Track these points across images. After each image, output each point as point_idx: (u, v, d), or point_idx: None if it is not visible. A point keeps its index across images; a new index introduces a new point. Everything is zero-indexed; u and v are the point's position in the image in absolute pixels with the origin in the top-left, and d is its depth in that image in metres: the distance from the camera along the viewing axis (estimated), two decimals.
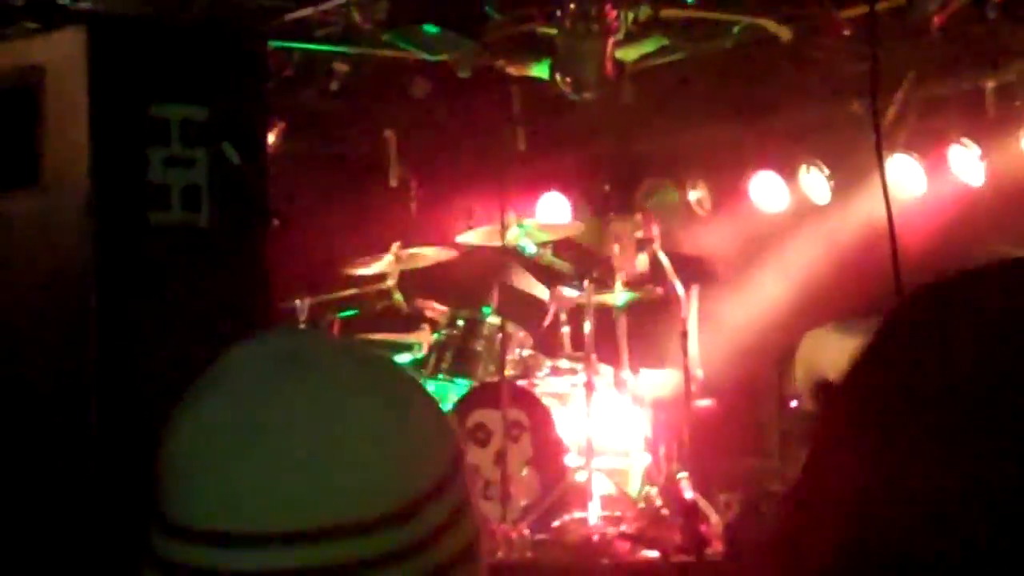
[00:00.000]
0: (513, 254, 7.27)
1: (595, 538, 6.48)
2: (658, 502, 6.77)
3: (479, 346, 7.38)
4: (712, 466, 7.05)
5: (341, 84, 8.04)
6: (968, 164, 7.80)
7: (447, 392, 7.27)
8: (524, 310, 7.37)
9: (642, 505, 6.81)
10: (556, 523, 6.66)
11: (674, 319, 6.98)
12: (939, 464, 0.84)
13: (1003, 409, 0.84)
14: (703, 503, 6.62)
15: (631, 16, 7.20)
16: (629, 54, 7.57)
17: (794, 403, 7.06)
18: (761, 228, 8.61)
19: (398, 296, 7.78)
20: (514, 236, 7.18)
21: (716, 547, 6.30)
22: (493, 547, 6.31)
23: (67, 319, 4.69)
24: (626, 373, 7.19)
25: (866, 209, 7.38)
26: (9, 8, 5.05)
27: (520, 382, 7.12)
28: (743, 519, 6.56)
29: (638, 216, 7.40)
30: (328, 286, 7.92)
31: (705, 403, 7.33)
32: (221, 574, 1.13)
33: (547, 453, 6.92)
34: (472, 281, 7.89)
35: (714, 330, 7.82)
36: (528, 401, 7.00)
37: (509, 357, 7.05)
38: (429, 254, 7.94)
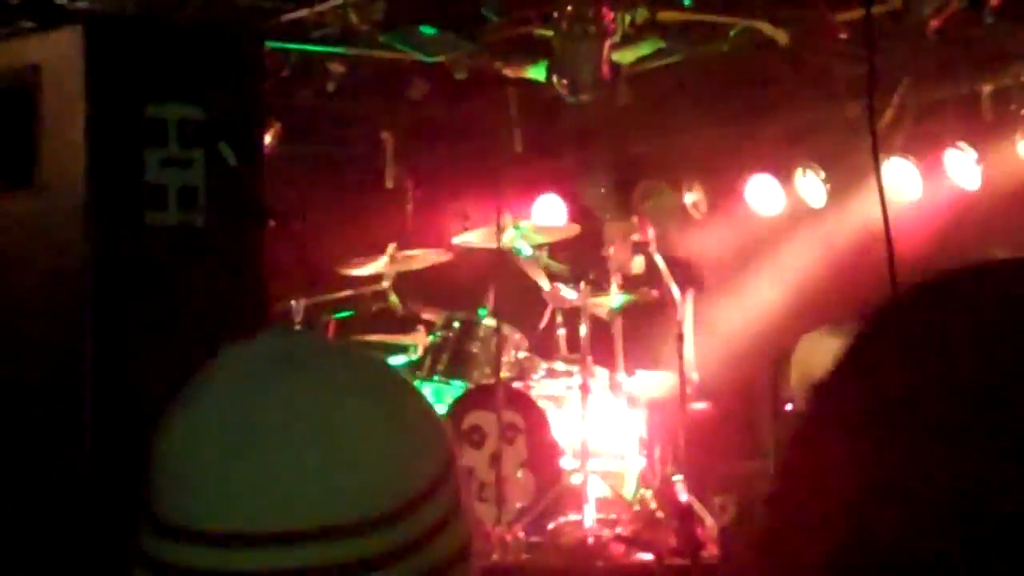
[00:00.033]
0: (509, 256, 7.26)
1: (590, 541, 6.48)
2: (653, 505, 6.77)
3: (475, 348, 7.38)
4: (707, 469, 7.05)
5: (338, 85, 8.03)
6: (964, 168, 7.80)
7: (443, 394, 7.27)
8: (524, 303, 7.37)
9: (637, 508, 6.81)
10: (551, 526, 6.66)
11: (670, 322, 6.98)
12: (940, 464, 0.84)
13: (1004, 408, 0.84)
14: (698, 506, 6.62)
15: (628, 18, 7.20)
16: (626, 56, 7.57)
17: (789, 406, 7.07)
18: (757, 231, 8.62)
19: (394, 298, 7.78)
20: (510, 238, 7.18)
21: (711, 550, 6.30)
22: (488, 549, 6.31)
23: (64, 319, 4.69)
24: (621, 376, 7.19)
25: (862, 213, 7.38)
26: (5, 7, 5.04)
27: (515, 384, 7.12)
28: (738, 522, 6.56)
29: (634, 218, 7.40)
30: (324, 287, 7.92)
31: (700, 406, 7.34)
32: (214, 574, 1.13)
33: (542, 455, 6.92)
34: (468, 283, 7.89)
35: (710, 333, 7.82)
36: (523, 403, 7.00)
37: (505, 359, 7.05)
38: (425, 256, 7.94)
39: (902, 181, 7.84)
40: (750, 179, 8.52)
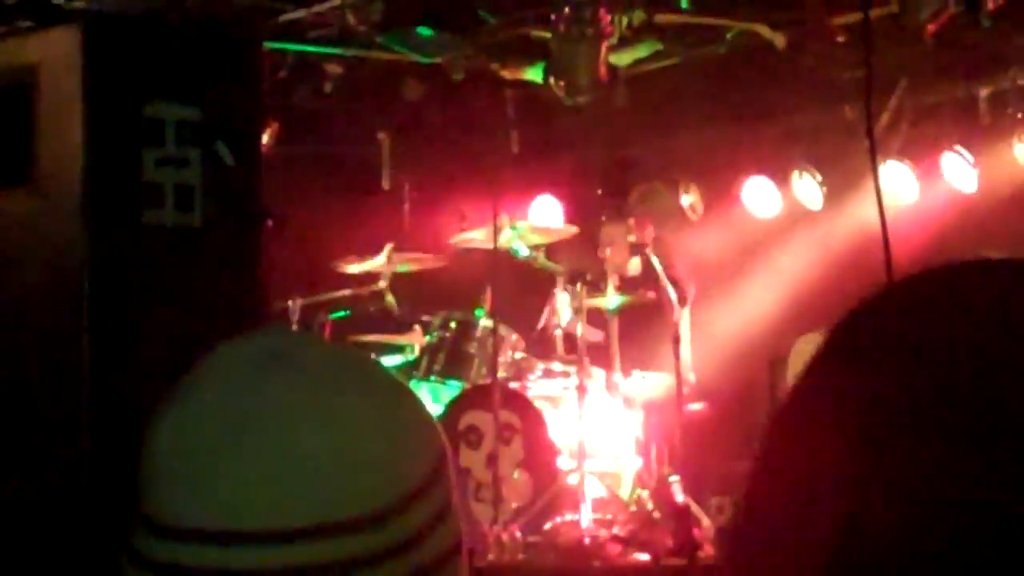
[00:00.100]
0: (506, 257, 7.27)
1: (586, 541, 6.48)
2: (650, 505, 6.77)
3: (471, 348, 7.39)
4: (704, 470, 7.05)
5: (335, 86, 8.04)
6: (961, 171, 7.81)
7: (439, 394, 7.27)
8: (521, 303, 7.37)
9: (634, 508, 6.81)
10: (547, 526, 6.66)
11: (666, 323, 6.98)
12: (940, 464, 0.84)
13: (1004, 407, 0.84)
14: (695, 506, 6.62)
15: (625, 21, 7.20)
16: (623, 59, 7.57)
17: None
18: (753, 233, 8.62)
19: (390, 298, 7.78)
20: (507, 239, 7.18)
21: (707, 550, 6.30)
22: (485, 549, 6.31)
23: (61, 318, 4.69)
24: (618, 376, 7.19)
25: (859, 215, 7.39)
26: (2, 6, 5.04)
27: (512, 384, 7.12)
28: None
29: (631, 220, 7.40)
30: (321, 287, 7.92)
31: (697, 407, 7.34)
32: (205, 572, 1.13)
33: (539, 456, 6.92)
34: (465, 283, 7.89)
35: (706, 334, 7.82)
36: (520, 404, 7.00)
37: (501, 359, 7.05)
38: (422, 256, 7.94)
39: (899, 184, 7.84)
40: (747, 181, 8.53)
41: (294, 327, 7.48)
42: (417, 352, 7.53)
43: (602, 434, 7.00)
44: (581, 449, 6.71)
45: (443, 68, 7.77)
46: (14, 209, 4.85)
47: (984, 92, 7.73)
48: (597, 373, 7.17)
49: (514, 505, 6.75)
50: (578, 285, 7.07)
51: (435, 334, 7.46)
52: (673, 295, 6.94)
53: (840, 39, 7.23)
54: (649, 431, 7.15)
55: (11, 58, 4.89)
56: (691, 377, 7.34)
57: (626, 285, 7.23)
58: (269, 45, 7.00)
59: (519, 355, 7.37)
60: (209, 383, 1.17)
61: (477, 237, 7.35)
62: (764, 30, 7.40)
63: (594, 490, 6.73)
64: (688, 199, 8.79)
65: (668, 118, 8.49)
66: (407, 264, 7.86)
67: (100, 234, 4.69)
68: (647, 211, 8.31)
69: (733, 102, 8.29)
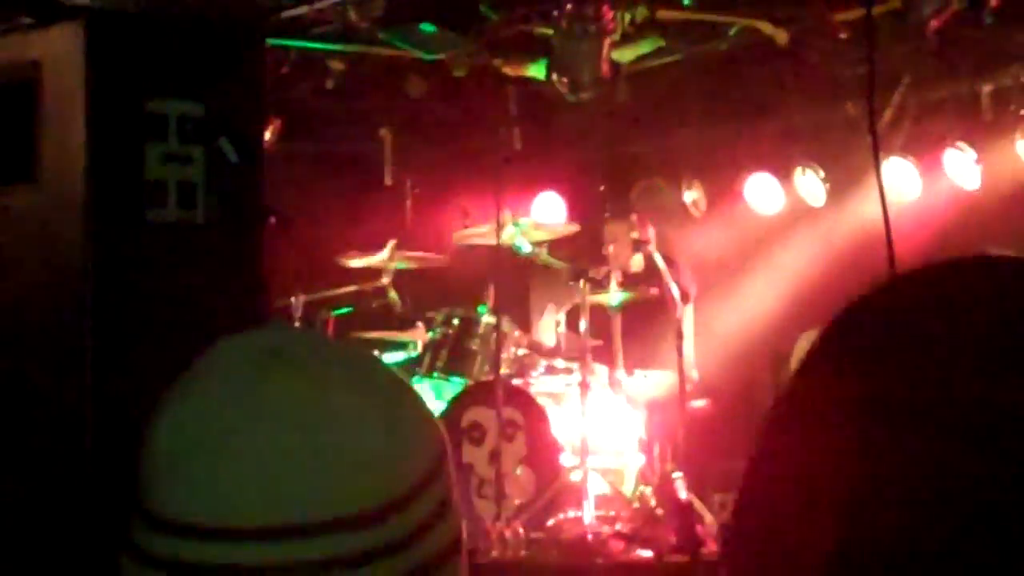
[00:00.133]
0: (508, 253, 7.27)
1: (589, 537, 6.48)
2: (653, 502, 6.77)
3: (474, 345, 7.39)
4: (707, 466, 7.05)
5: (337, 82, 8.03)
6: (964, 168, 7.81)
7: (442, 391, 7.28)
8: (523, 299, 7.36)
9: (637, 505, 6.81)
10: (551, 522, 6.66)
11: (669, 320, 6.98)
12: (939, 464, 0.83)
13: (1004, 406, 0.84)
14: (698, 503, 6.62)
15: (628, 17, 7.20)
16: (625, 55, 7.57)
17: None
18: (756, 230, 8.62)
19: (393, 295, 7.78)
20: (510, 235, 7.19)
21: (711, 547, 6.30)
22: (487, 546, 6.31)
23: (63, 314, 4.69)
24: (621, 373, 7.19)
25: (861, 212, 7.39)
26: (5, 2, 5.04)
27: (515, 381, 7.12)
28: None
29: (633, 217, 7.41)
30: (323, 284, 7.92)
31: (700, 403, 7.34)
32: (204, 568, 1.13)
33: (542, 452, 6.92)
34: (468, 280, 7.89)
35: (709, 331, 7.82)
36: (523, 400, 7.00)
37: (504, 356, 7.05)
38: (424, 253, 7.95)
39: (902, 181, 7.84)
40: (749, 178, 8.53)
41: (297, 323, 7.49)
42: (420, 349, 7.53)
43: (605, 431, 7.00)
44: (584, 446, 6.71)
45: (445, 65, 7.77)
46: (17, 205, 4.85)
47: (987, 89, 7.72)
48: (600, 370, 7.17)
49: (517, 501, 6.75)
50: (581, 282, 7.07)
51: (438, 331, 7.46)
52: (676, 292, 6.93)
53: (843, 36, 7.23)
54: (652, 428, 7.15)
55: (14, 55, 4.88)
56: (694, 374, 7.34)
57: (629, 282, 7.23)
58: (271, 41, 7.00)
59: (522, 351, 7.37)
60: (209, 380, 1.17)
61: (479, 233, 7.36)
62: (766, 27, 7.40)
63: (597, 487, 6.73)
64: (691, 196, 8.79)
65: (670, 115, 8.49)
66: (410, 261, 7.87)
67: (103, 230, 4.68)
68: (649, 208, 8.31)
69: (735, 98, 8.29)
